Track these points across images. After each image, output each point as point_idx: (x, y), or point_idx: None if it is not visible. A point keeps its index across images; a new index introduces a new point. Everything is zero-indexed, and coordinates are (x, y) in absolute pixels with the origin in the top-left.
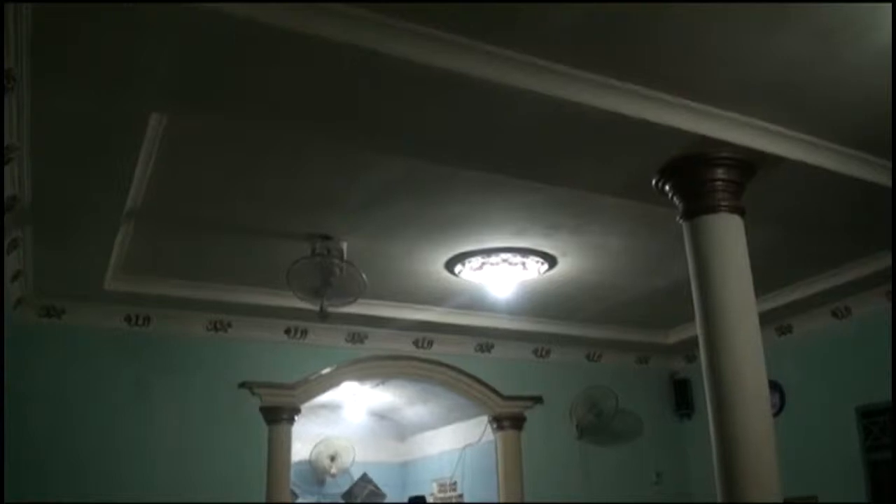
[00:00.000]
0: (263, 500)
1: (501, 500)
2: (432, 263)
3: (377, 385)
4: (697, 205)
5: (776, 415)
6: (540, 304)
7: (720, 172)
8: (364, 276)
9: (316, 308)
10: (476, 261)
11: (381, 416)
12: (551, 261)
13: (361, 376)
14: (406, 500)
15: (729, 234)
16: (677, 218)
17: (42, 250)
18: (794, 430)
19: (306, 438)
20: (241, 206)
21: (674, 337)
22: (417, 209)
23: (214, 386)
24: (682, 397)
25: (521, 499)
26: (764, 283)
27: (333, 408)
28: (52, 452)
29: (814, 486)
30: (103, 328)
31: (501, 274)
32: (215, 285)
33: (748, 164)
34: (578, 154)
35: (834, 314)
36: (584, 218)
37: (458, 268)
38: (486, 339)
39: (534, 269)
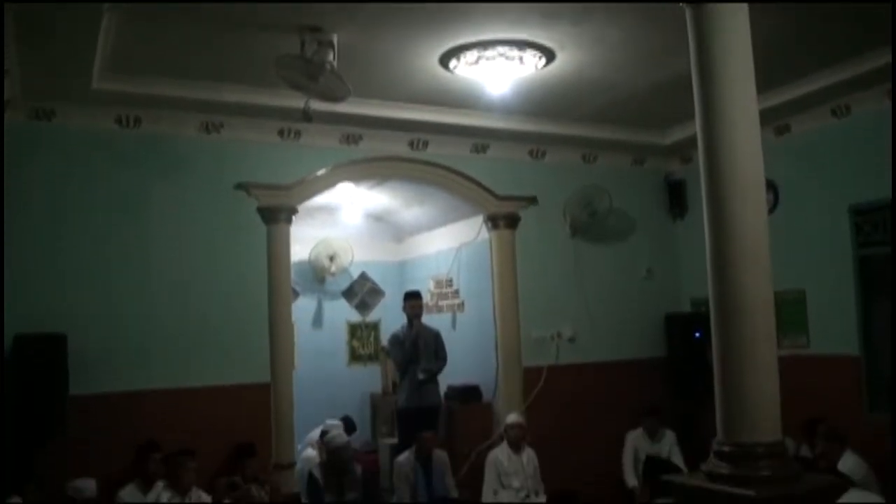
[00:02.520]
0: (266, 298)
1: (496, 295)
2: (427, 58)
3: (373, 187)
4: None
5: (770, 212)
6: (536, 101)
7: None
8: (349, 85)
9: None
10: (472, 55)
11: (378, 218)
12: (549, 55)
13: (357, 177)
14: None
15: (733, 19)
16: (680, 3)
17: (26, 47)
18: (787, 228)
19: (305, 240)
20: None
21: (670, 137)
22: None
23: (210, 187)
24: (675, 198)
25: (515, 294)
26: (763, 79)
27: (331, 210)
28: (50, 257)
29: (803, 279)
30: (94, 130)
31: (498, 69)
32: (205, 83)
33: None
34: None
35: (833, 113)
36: (584, 6)
37: (453, 63)
38: (481, 139)
39: (531, 64)
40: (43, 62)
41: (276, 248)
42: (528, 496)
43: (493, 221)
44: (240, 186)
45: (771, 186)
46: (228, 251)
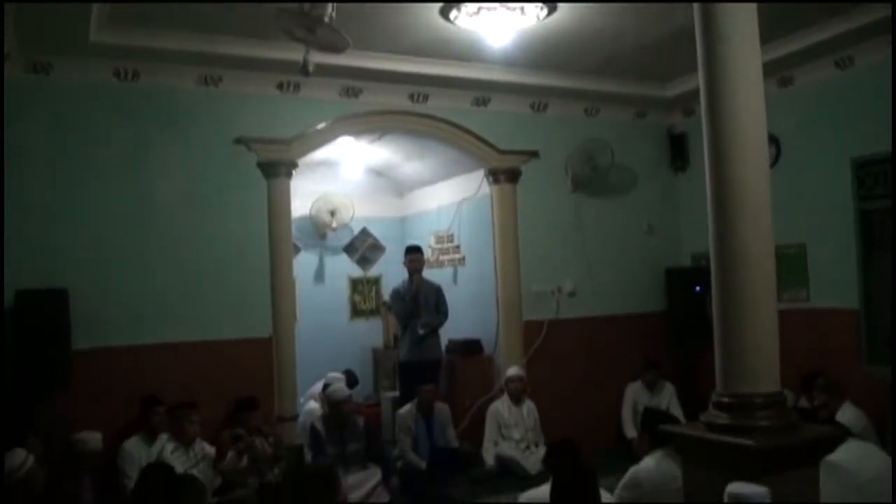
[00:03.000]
0: (268, 253)
1: (497, 250)
2: (427, 8)
3: (374, 141)
4: None
5: (772, 166)
6: (538, 53)
7: None
8: (347, 37)
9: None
10: (473, 5)
11: (379, 172)
12: (550, 5)
13: (357, 131)
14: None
15: None
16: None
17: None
18: (788, 182)
19: (306, 195)
20: None
21: (672, 90)
22: None
23: (210, 141)
24: (677, 151)
25: (516, 248)
26: (766, 30)
27: (331, 165)
28: (51, 212)
29: (804, 233)
30: (92, 83)
31: (499, 19)
32: (203, 36)
33: None
34: None
35: (837, 65)
36: None
37: (453, 13)
38: (482, 92)
39: (532, 15)
40: (40, 15)
41: (277, 203)
42: (528, 447)
43: (494, 176)
44: (239, 140)
45: (773, 140)
46: (229, 206)
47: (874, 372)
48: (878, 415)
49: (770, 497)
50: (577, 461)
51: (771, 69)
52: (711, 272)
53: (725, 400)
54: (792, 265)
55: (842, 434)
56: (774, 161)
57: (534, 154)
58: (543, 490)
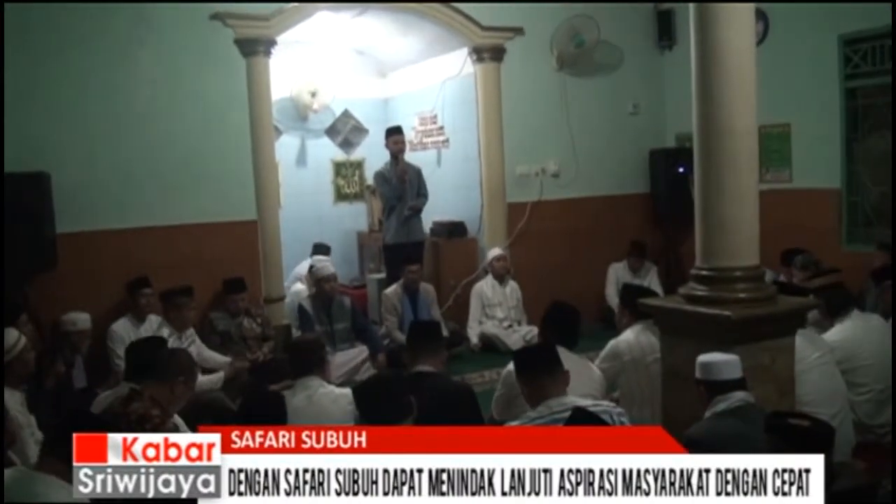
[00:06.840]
0: (248, 135)
1: (480, 131)
2: None
3: (356, 16)
4: None
5: (759, 43)
6: None
7: None
8: None
9: None
10: None
11: (361, 51)
12: None
13: (336, 6)
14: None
15: None
16: None
17: None
18: (775, 60)
19: (286, 77)
20: None
21: None
22: None
23: (186, 19)
24: (664, 29)
25: (500, 129)
26: None
27: (311, 44)
28: (30, 96)
29: (789, 113)
30: None
31: None
32: None
33: None
34: None
35: None
36: None
37: None
38: None
39: None
40: None
41: (256, 83)
42: (510, 325)
43: (477, 54)
44: (216, 16)
45: (761, 16)
46: (208, 85)
47: (852, 251)
48: (854, 292)
49: (741, 365)
50: None
51: None
52: (694, 148)
53: (704, 273)
54: (776, 145)
55: (816, 305)
56: (762, 38)
57: (518, 31)
58: None
